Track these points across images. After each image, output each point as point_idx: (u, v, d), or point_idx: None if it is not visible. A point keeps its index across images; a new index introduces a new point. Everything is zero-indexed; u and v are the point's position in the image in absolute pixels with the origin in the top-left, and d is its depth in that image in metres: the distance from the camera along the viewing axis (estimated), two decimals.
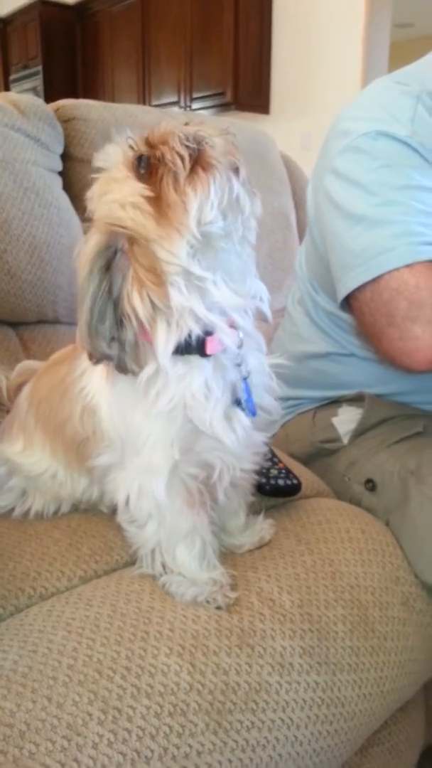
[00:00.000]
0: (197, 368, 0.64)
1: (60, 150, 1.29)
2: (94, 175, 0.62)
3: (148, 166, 0.58)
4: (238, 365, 0.66)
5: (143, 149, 0.59)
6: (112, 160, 0.61)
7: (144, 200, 0.58)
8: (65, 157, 1.30)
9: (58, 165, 1.28)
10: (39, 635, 0.63)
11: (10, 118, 1.20)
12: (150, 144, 0.59)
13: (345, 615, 0.75)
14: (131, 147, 0.60)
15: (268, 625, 0.69)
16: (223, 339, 0.63)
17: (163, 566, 0.71)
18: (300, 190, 1.80)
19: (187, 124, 0.61)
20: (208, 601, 0.69)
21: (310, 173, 1.82)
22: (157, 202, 0.57)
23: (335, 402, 1.07)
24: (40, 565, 0.74)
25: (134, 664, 0.62)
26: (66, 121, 1.31)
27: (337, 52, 3.81)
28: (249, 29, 4.13)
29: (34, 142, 1.21)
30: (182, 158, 0.57)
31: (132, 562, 0.76)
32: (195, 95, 4.48)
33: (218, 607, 0.69)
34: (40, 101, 1.30)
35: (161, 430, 0.64)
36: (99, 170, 0.62)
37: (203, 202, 0.57)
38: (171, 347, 0.61)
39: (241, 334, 0.65)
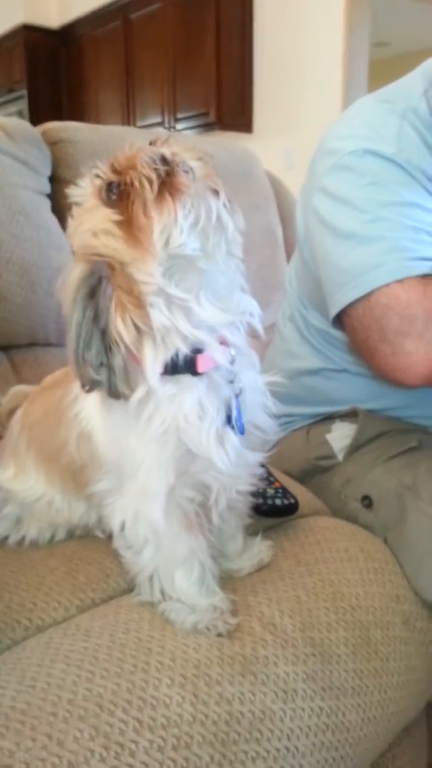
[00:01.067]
0: (188, 388, 0.63)
1: (48, 172, 1.29)
2: (73, 208, 0.62)
3: (118, 191, 0.58)
4: (231, 382, 0.66)
5: (110, 176, 0.59)
6: (85, 193, 0.61)
7: (114, 225, 0.58)
8: (53, 179, 1.30)
9: (47, 187, 1.28)
10: (37, 669, 0.62)
11: None
12: (116, 170, 0.59)
13: (347, 637, 0.74)
14: (98, 176, 0.60)
15: (270, 651, 0.68)
16: (214, 356, 0.63)
17: (162, 593, 0.70)
18: (286, 208, 1.81)
19: (152, 143, 0.62)
20: (208, 628, 0.67)
21: (294, 191, 1.86)
22: (128, 225, 0.58)
23: (329, 418, 1.06)
24: (36, 596, 0.72)
25: (135, 697, 0.60)
26: (53, 143, 1.31)
27: (317, 71, 3.86)
28: (231, 50, 4.18)
29: (22, 165, 1.21)
30: (150, 181, 0.57)
31: (130, 589, 0.74)
32: (179, 116, 4.52)
33: (219, 634, 0.67)
34: (27, 124, 1.30)
35: (155, 454, 0.64)
36: (76, 206, 0.62)
37: (169, 226, 0.57)
38: (159, 367, 0.61)
39: (232, 351, 0.65)
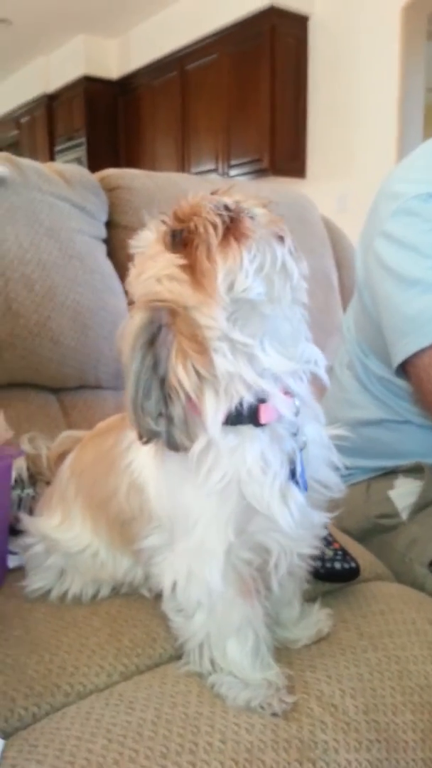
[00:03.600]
0: (251, 440, 0.59)
1: (104, 218, 1.30)
2: (135, 256, 0.61)
3: (181, 239, 0.58)
4: (294, 434, 0.62)
5: (174, 224, 0.59)
6: (147, 242, 0.60)
7: (178, 270, 0.57)
8: (109, 224, 1.31)
9: (103, 232, 1.29)
10: (76, 743, 0.57)
11: (57, 187, 1.21)
12: (179, 218, 0.59)
13: (415, 721, 0.66)
14: (163, 222, 0.59)
15: (330, 735, 0.61)
16: (278, 406, 0.59)
17: (212, 663, 0.64)
18: (341, 251, 1.78)
19: (215, 192, 0.61)
20: (262, 707, 0.62)
21: (348, 234, 1.83)
22: (192, 270, 0.56)
23: (391, 473, 1.00)
24: (78, 659, 0.68)
25: None
26: (110, 189, 1.33)
27: (371, 116, 3.88)
28: (285, 96, 4.25)
29: (80, 210, 1.23)
30: (214, 226, 0.56)
31: (177, 655, 0.69)
32: (232, 162, 4.60)
33: (274, 714, 0.61)
34: (86, 171, 1.32)
35: (214, 509, 0.60)
36: (138, 253, 0.61)
37: (234, 271, 0.55)
38: (220, 417, 0.57)
39: (297, 402, 0.61)
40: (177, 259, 0.57)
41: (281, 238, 0.58)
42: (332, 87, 4.15)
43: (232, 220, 0.57)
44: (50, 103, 5.98)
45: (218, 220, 0.57)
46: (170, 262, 0.57)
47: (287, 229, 0.60)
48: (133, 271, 0.60)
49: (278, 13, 4.13)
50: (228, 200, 0.58)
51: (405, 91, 3.77)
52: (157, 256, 0.59)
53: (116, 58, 5.62)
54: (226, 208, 0.58)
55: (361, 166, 3.93)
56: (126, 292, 0.64)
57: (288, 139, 4.33)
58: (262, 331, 0.58)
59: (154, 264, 0.58)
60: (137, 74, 5.41)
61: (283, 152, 4.34)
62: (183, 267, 0.57)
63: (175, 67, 4.99)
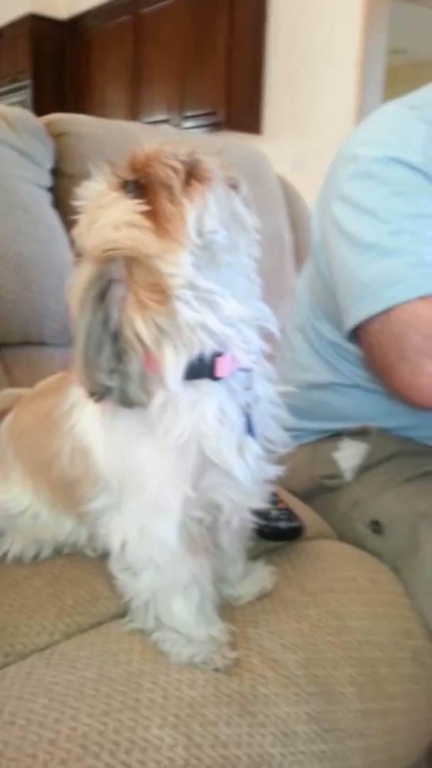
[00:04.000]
0: (209, 393, 0.59)
1: (49, 165, 1.23)
2: (83, 204, 0.58)
3: (136, 189, 0.56)
4: (248, 388, 0.61)
5: (128, 175, 0.56)
6: (95, 192, 0.58)
7: (139, 216, 0.54)
8: (55, 173, 1.24)
9: (48, 181, 1.22)
10: (17, 703, 0.56)
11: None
12: (136, 168, 0.56)
13: (353, 675, 0.69)
14: (115, 174, 0.57)
15: (271, 689, 0.63)
16: (238, 357, 0.59)
17: (156, 620, 0.64)
18: (296, 213, 1.76)
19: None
20: (205, 662, 0.62)
21: (304, 195, 1.80)
22: (153, 216, 0.54)
23: (337, 435, 1.01)
24: (18, 619, 0.67)
25: (123, 738, 0.55)
26: (57, 135, 1.26)
27: (331, 75, 3.81)
28: (243, 49, 4.12)
29: (23, 156, 1.16)
30: (176, 170, 0.55)
31: (120, 614, 0.69)
32: (186, 114, 4.46)
33: (216, 669, 0.62)
34: (30, 114, 1.25)
35: (172, 465, 0.59)
36: (87, 202, 0.58)
37: (202, 212, 0.54)
38: (181, 370, 0.56)
39: (252, 356, 0.60)
40: (138, 206, 0.55)
41: (235, 186, 0.57)
42: (292, 43, 4.04)
43: (191, 164, 0.55)
44: None
45: (179, 165, 0.55)
46: (130, 208, 0.55)
47: (241, 177, 0.58)
48: (83, 220, 0.57)
49: None
50: (182, 149, 0.56)
51: (366, 52, 3.70)
52: (113, 203, 0.56)
53: None
54: (187, 155, 0.56)
55: (318, 126, 3.87)
56: (73, 243, 0.61)
57: (245, 93, 4.22)
58: (224, 280, 0.57)
59: (110, 211, 0.56)
60: (88, 15, 5.14)
61: (240, 106, 4.23)
62: (144, 213, 0.54)
63: (128, 11, 4.75)
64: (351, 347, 0.94)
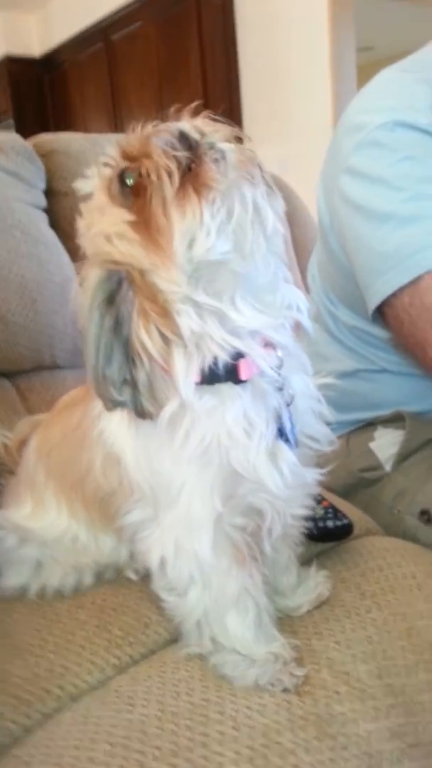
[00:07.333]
0: (231, 398, 0.54)
1: (42, 186, 1.21)
2: (81, 205, 0.53)
3: (127, 188, 0.50)
4: (280, 389, 0.56)
5: (122, 163, 0.50)
6: (94, 186, 0.52)
7: (128, 227, 0.49)
8: (49, 193, 1.21)
9: (42, 201, 1.19)
10: (76, 753, 0.51)
11: None
12: (128, 156, 0.50)
13: (430, 680, 0.63)
14: (108, 165, 0.51)
15: (347, 706, 0.57)
16: (258, 362, 0.53)
17: (213, 641, 0.59)
18: (291, 209, 1.72)
19: (173, 117, 0.53)
20: (272, 684, 0.57)
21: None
22: (145, 227, 0.49)
23: (370, 424, 0.96)
24: (66, 657, 0.62)
25: None
26: (45, 155, 1.23)
27: (304, 78, 3.81)
28: (215, 63, 4.13)
29: (14, 177, 1.13)
30: (169, 173, 0.48)
31: (173, 639, 0.64)
32: None
33: (286, 690, 0.57)
34: (17, 136, 1.23)
35: (196, 476, 0.54)
36: (85, 199, 0.53)
37: (193, 229, 0.48)
38: (193, 377, 0.52)
39: (279, 353, 0.55)
40: (125, 215, 0.49)
41: (252, 180, 0.50)
42: (262, 51, 4.04)
43: (193, 162, 0.49)
44: None
45: (173, 165, 0.48)
46: (118, 217, 0.50)
47: (261, 165, 0.52)
48: (81, 223, 0.53)
49: None
50: (186, 126, 0.50)
51: (336, 51, 3.70)
52: (104, 208, 0.51)
53: (37, 34, 5.36)
54: (185, 140, 0.49)
55: (298, 129, 3.86)
56: (74, 259, 0.57)
57: (222, 106, 4.23)
58: (233, 288, 0.51)
59: (101, 218, 0.51)
60: (61, 49, 5.18)
61: (219, 120, 4.23)
62: (134, 224, 0.49)
63: (99, 39, 4.79)
64: (374, 329, 0.89)
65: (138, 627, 0.65)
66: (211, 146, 0.50)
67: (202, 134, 0.51)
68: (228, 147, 0.51)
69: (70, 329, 1.07)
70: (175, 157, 0.49)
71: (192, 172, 0.49)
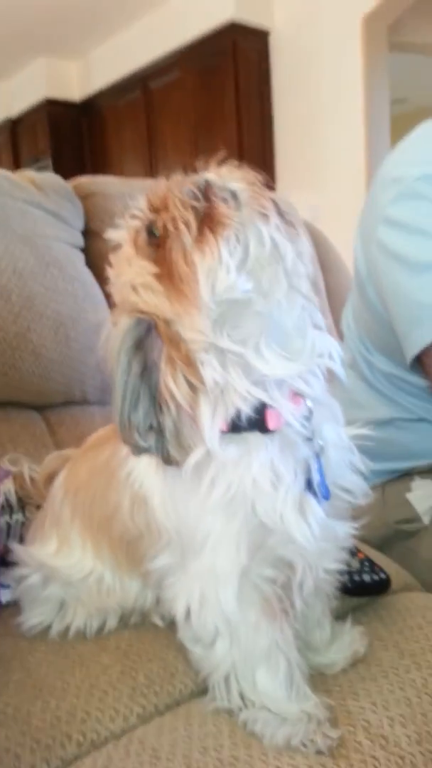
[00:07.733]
0: (257, 448, 0.53)
1: (80, 226, 1.23)
2: (110, 255, 0.55)
3: (153, 239, 0.52)
4: (309, 439, 0.55)
5: (149, 216, 0.52)
6: (122, 237, 0.54)
7: (153, 278, 0.51)
8: (86, 233, 1.24)
9: (80, 241, 1.22)
10: None
11: (29, 194, 1.15)
12: (154, 207, 0.52)
13: None
14: (135, 216, 0.53)
15: None
16: (284, 414, 0.52)
17: (242, 697, 0.56)
18: (324, 255, 1.74)
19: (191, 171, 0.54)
20: (305, 744, 0.54)
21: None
22: (168, 277, 0.50)
23: (406, 474, 0.94)
24: (88, 702, 0.60)
25: None
26: (84, 197, 1.26)
27: (338, 127, 3.89)
28: (250, 112, 4.25)
29: (54, 217, 1.16)
30: (186, 223, 0.50)
31: (200, 691, 0.61)
32: None
33: (319, 752, 0.54)
34: (58, 177, 1.26)
35: (222, 527, 0.53)
36: (115, 248, 0.55)
37: (214, 268, 0.49)
38: (218, 426, 0.51)
39: (309, 403, 0.54)
40: (150, 267, 0.51)
41: (266, 215, 0.51)
42: (297, 101, 4.16)
43: (207, 207, 0.50)
44: (14, 128, 5.92)
45: (190, 215, 0.50)
46: (143, 269, 0.51)
47: (275, 201, 0.52)
48: (111, 273, 0.54)
49: (239, 28, 4.13)
50: (210, 176, 0.51)
51: (370, 102, 3.79)
52: (131, 260, 0.53)
53: (78, 80, 5.58)
54: (200, 191, 0.51)
55: (330, 178, 3.92)
56: (108, 300, 0.57)
57: (256, 153, 4.32)
58: (258, 332, 0.51)
59: (128, 269, 0.53)
60: (100, 95, 5.38)
61: (252, 167, 4.31)
62: (158, 275, 0.50)
63: (138, 86, 4.96)
64: (411, 378, 0.88)
65: (164, 676, 0.63)
66: (222, 188, 0.51)
67: (211, 182, 0.52)
68: (238, 185, 0.52)
69: (101, 366, 1.08)
70: (193, 207, 0.50)
71: (206, 215, 0.50)
